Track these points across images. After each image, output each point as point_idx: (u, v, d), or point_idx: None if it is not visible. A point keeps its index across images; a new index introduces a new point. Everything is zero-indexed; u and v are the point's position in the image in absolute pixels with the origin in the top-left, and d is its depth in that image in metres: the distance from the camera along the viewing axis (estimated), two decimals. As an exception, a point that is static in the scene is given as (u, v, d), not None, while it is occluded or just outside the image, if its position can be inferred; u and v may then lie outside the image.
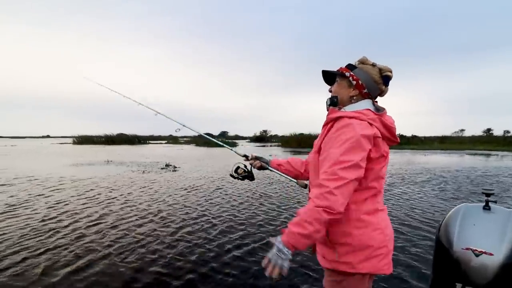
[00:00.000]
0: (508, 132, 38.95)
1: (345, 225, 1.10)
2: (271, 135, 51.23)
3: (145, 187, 6.74)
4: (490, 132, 42.83)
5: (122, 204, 5.09)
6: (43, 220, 4.09)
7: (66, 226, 3.85)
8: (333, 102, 1.20)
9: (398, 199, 5.64)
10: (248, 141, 51.88)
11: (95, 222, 4.04)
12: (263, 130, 52.97)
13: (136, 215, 4.42)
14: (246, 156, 1.64)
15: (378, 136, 1.07)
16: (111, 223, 3.99)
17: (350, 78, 1.16)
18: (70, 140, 39.16)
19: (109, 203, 5.16)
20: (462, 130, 45.76)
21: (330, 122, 1.16)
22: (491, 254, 1.31)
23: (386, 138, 1.13)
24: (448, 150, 25.65)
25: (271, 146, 34.04)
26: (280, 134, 42.71)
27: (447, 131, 59.30)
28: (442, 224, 1.52)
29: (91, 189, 6.35)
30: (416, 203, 5.26)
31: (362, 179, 1.06)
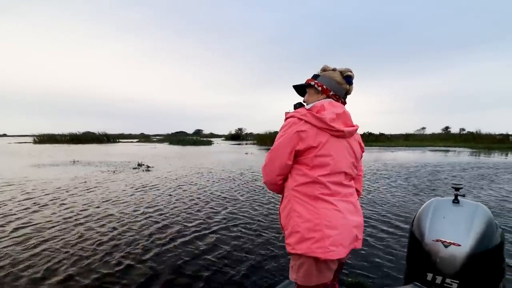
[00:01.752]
0: (463, 129, 42.27)
1: (287, 209, 1.28)
2: (246, 133, 51.23)
3: (98, 187, 6.40)
4: (448, 129, 46.46)
5: (68, 208, 4.67)
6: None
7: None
8: (295, 108, 1.41)
9: (371, 195, 5.89)
10: (223, 139, 51.48)
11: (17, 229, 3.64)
12: (238, 128, 52.91)
13: (75, 220, 4.03)
14: None
15: (302, 130, 1.22)
16: (35, 231, 3.56)
17: (315, 85, 1.36)
18: (31, 139, 36.27)
19: (53, 207, 4.68)
20: (424, 128, 49.21)
21: None
22: (458, 245, 1.40)
23: (322, 128, 1.23)
24: (412, 147, 27.30)
25: (246, 144, 34.06)
26: (255, 132, 42.87)
27: (411, 129, 63.11)
28: (415, 218, 1.61)
29: (42, 191, 5.88)
30: (386, 198, 5.53)
31: (296, 167, 1.27)
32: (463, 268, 1.38)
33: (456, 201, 1.53)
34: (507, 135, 30.72)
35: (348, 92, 1.39)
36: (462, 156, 16.50)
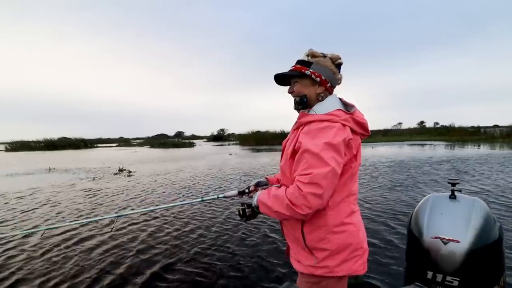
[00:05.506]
0: (437, 123, 44.35)
1: (323, 231, 1.09)
2: (228, 134, 50.80)
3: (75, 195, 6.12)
4: (423, 124, 48.56)
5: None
6: None
7: None
8: (304, 103, 1.15)
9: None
10: (205, 141, 50.83)
11: None
12: (221, 129, 52.39)
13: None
14: (243, 192, 1.44)
15: (350, 138, 1.05)
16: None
17: (313, 75, 1.12)
18: (2, 147, 34.15)
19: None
20: (400, 123, 51.22)
21: (301, 126, 1.12)
22: (458, 242, 1.38)
23: (360, 134, 1.14)
24: (390, 142, 28.12)
25: (229, 144, 33.78)
26: (237, 132, 42.61)
27: (388, 125, 65.36)
28: (412, 215, 1.58)
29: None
30: (373, 195, 5.60)
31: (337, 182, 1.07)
32: (463, 265, 1.37)
33: (453, 196, 1.52)
34: (478, 128, 32.39)
35: (339, 82, 1.21)
36: (439, 149, 17.18)
